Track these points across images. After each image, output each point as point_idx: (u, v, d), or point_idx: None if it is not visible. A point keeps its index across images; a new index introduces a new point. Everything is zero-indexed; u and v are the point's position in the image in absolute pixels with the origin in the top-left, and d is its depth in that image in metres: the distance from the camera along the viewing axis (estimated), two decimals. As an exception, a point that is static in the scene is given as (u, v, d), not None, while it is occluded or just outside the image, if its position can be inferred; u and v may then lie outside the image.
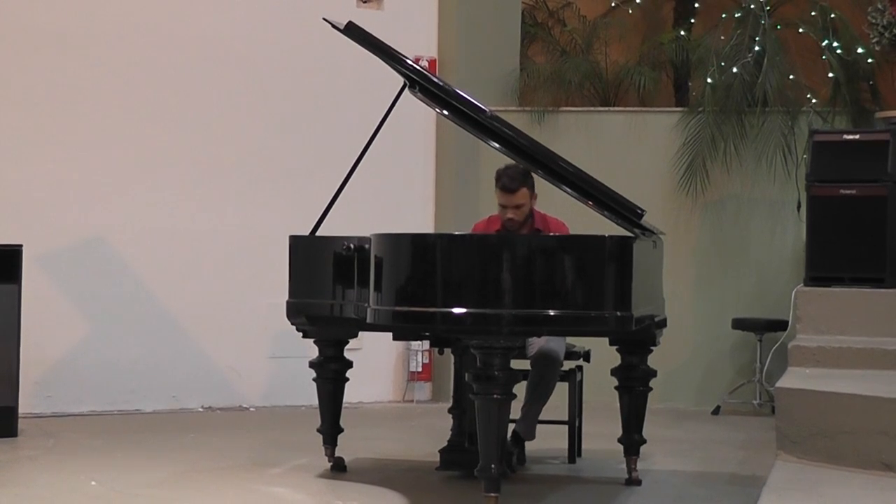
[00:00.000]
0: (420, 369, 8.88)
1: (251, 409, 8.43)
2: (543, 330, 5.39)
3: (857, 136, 7.73)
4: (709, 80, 8.71)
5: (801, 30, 8.94)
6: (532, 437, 6.28)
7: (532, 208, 6.20)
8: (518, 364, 5.38)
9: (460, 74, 8.89)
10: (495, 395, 4.96)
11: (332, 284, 5.85)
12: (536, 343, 6.10)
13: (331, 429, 6.29)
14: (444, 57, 9.09)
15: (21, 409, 7.25)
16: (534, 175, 5.96)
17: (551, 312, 4.88)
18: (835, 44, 8.68)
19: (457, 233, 5.76)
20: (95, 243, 8.15)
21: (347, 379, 6.34)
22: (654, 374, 6.07)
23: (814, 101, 8.74)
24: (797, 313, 7.26)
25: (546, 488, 5.98)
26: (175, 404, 8.27)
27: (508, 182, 6.10)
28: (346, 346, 6.34)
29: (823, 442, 5.55)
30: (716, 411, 8.46)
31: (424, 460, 6.46)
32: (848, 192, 7.55)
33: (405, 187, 8.97)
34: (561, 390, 6.37)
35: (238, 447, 6.94)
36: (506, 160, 5.96)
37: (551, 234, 6.12)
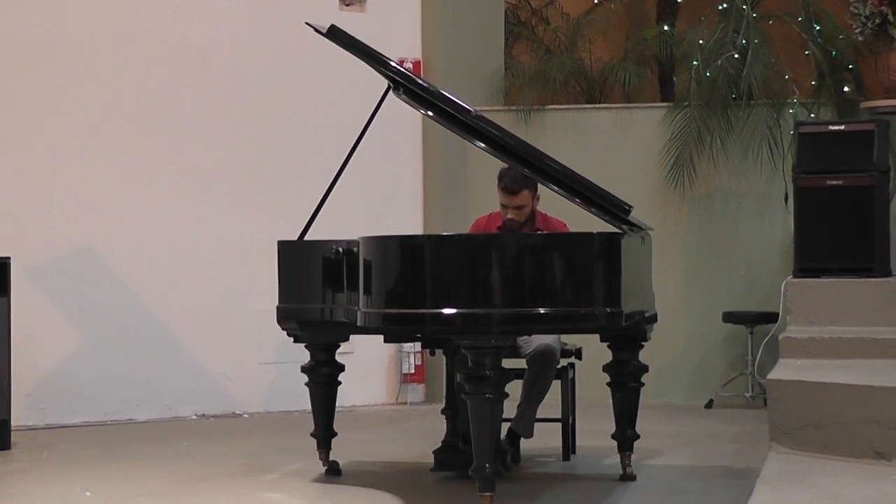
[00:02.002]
0: (412, 371, 8.88)
1: (244, 416, 8.42)
2: (534, 328, 5.40)
3: (842, 127, 7.75)
4: (693, 75, 8.72)
5: (783, 19, 8.94)
6: (530, 434, 6.28)
7: (534, 209, 6.22)
8: (511, 363, 5.39)
9: (445, 75, 8.90)
10: (487, 395, 4.97)
11: (321, 288, 5.86)
12: (532, 342, 6.10)
13: (324, 433, 6.29)
14: (429, 58, 9.09)
15: (14, 422, 7.24)
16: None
17: (541, 311, 4.88)
18: (816, 33, 8.69)
19: (445, 233, 5.77)
20: (84, 253, 8.15)
21: (340, 382, 6.34)
22: (645, 369, 6.08)
23: (797, 92, 8.75)
24: (787, 305, 7.28)
25: (541, 486, 5.99)
26: (168, 413, 8.26)
27: (510, 183, 6.11)
28: (338, 350, 6.34)
29: (816, 432, 5.57)
30: (708, 405, 8.47)
31: (419, 462, 6.46)
32: (834, 182, 7.57)
33: (393, 190, 8.97)
34: (553, 388, 6.36)
35: (232, 454, 6.94)
36: (493, 160, 5.96)
37: (541, 232, 6.14)
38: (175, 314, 8.33)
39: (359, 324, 5.24)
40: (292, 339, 6.25)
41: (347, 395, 7.18)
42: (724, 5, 8.81)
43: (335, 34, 5.58)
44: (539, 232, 6.15)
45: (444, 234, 5.59)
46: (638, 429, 6.08)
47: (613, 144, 9.03)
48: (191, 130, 8.41)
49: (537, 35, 9.96)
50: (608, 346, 6.04)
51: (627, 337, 5.94)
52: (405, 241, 5.13)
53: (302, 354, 6.33)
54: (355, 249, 5.39)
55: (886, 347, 6.50)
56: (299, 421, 7.62)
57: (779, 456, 5.58)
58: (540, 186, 6.04)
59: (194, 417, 8.33)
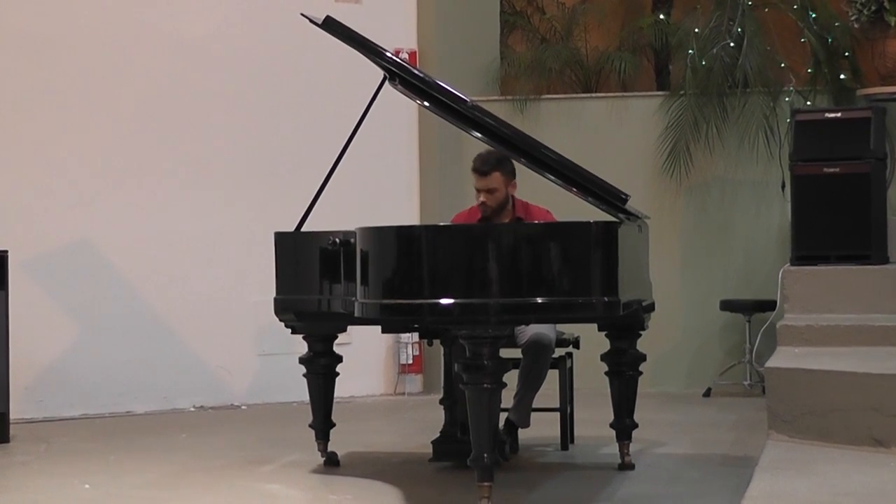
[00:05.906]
0: (410, 361, 8.89)
1: (243, 407, 8.43)
2: (531, 318, 5.39)
3: (838, 115, 7.75)
4: (688, 64, 8.71)
5: (779, 7, 8.92)
6: (527, 424, 6.28)
7: (512, 196, 6.19)
8: (508, 353, 5.39)
9: (441, 66, 8.88)
10: (485, 385, 4.96)
11: (318, 280, 5.86)
12: (527, 331, 6.10)
13: (323, 424, 6.29)
14: (424, 49, 9.08)
15: (12, 415, 7.24)
16: (516, 163, 5.94)
17: (539, 300, 4.88)
18: (812, 21, 8.68)
19: (442, 224, 5.76)
20: (81, 247, 8.14)
21: (338, 373, 6.34)
22: (643, 358, 6.08)
23: (793, 80, 8.74)
24: (785, 293, 7.28)
25: (540, 475, 5.99)
26: (166, 405, 8.26)
27: (480, 164, 6.08)
28: (336, 341, 6.34)
29: (814, 420, 5.57)
30: (707, 393, 8.47)
31: (417, 452, 6.46)
32: (831, 170, 7.57)
33: (389, 180, 8.96)
34: (551, 377, 6.38)
35: (230, 445, 6.94)
36: (489, 150, 5.96)
37: (536, 221, 6.12)
38: (173, 306, 8.32)
39: (356, 315, 5.24)
40: (290, 330, 6.25)
41: (345, 385, 7.17)
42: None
43: (331, 25, 5.58)
44: (520, 220, 6.13)
45: (441, 224, 5.59)
46: (636, 418, 6.09)
47: (609, 133, 9.02)
48: (188, 123, 8.40)
49: (533, 24, 9.94)
50: (606, 336, 6.04)
51: (625, 326, 5.94)
52: (402, 232, 5.12)
53: (300, 346, 6.33)
54: (352, 240, 5.39)
55: (884, 334, 6.50)
56: (297, 412, 7.62)
57: (777, 444, 5.59)
58: (527, 175, 5.99)
59: (192, 409, 8.33)
